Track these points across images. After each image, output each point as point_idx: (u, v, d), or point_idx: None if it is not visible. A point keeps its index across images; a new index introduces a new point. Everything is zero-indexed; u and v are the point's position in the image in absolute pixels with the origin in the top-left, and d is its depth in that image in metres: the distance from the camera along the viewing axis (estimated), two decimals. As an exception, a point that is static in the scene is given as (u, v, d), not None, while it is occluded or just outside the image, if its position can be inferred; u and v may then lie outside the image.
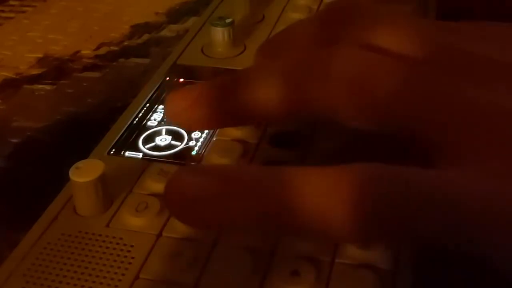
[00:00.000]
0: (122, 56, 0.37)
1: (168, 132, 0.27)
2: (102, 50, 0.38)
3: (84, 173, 0.23)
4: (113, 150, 0.27)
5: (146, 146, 0.27)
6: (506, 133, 0.18)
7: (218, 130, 0.27)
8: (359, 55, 0.20)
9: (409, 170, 0.17)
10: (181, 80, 0.31)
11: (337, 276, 0.20)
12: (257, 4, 0.37)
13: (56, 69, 0.36)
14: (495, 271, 0.17)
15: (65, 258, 0.21)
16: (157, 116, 0.28)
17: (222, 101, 0.21)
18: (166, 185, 0.18)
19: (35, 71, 0.36)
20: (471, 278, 0.22)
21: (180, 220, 0.19)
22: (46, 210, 0.24)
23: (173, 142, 0.27)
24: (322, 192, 0.17)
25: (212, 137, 0.27)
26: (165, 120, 0.28)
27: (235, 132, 0.26)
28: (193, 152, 0.26)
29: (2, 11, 0.43)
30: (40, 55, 0.38)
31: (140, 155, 0.26)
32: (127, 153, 0.26)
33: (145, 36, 0.39)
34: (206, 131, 0.27)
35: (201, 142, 0.26)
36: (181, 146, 0.26)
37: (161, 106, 0.29)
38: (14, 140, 0.31)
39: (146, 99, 0.30)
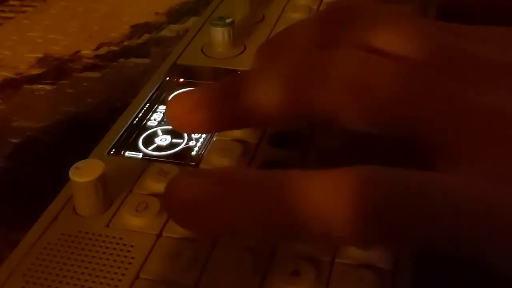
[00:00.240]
0: (122, 56, 0.37)
1: (168, 132, 0.27)
2: (102, 50, 0.38)
3: (84, 173, 0.23)
4: (113, 150, 0.27)
5: (146, 146, 0.27)
6: (505, 134, 0.18)
7: (218, 130, 0.27)
8: (358, 56, 0.20)
9: (409, 172, 0.17)
10: (181, 80, 0.31)
11: (337, 276, 0.20)
12: (257, 4, 0.37)
13: (56, 69, 0.36)
14: (495, 272, 0.17)
15: (65, 258, 0.21)
16: (157, 116, 0.28)
17: (223, 105, 0.21)
18: (165, 189, 0.18)
19: (35, 71, 0.36)
20: (471, 278, 0.22)
21: (179, 224, 0.19)
22: (46, 210, 0.24)
23: (173, 142, 0.27)
24: (323, 194, 0.17)
25: (212, 137, 0.27)
26: (165, 120, 0.28)
27: (235, 132, 0.26)
28: (193, 153, 0.26)
29: (2, 11, 0.43)
30: (40, 55, 0.38)
31: (140, 155, 0.26)
32: (127, 153, 0.26)
33: (145, 36, 0.39)
34: (206, 131, 0.27)
35: (201, 142, 0.26)
36: (181, 146, 0.26)
37: (161, 106, 0.29)
38: (14, 140, 0.31)
39: (146, 99, 0.30)
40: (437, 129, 0.19)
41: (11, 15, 0.42)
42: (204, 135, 0.27)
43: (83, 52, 0.38)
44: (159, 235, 0.22)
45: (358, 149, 0.23)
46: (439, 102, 0.19)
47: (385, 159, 0.20)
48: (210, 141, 0.26)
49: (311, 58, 0.21)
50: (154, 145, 0.27)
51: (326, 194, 0.17)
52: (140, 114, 0.29)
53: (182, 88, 0.30)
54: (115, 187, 0.24)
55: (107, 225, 0.23)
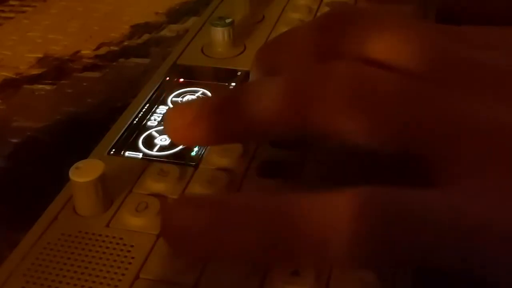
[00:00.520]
0: (122, 56, 0.37)
1: (168, 132, 0.27)
2: (102, 50, 0.38)
3: (84, 173, 0.23)
4: (113, 150, 0.27)
5: (146, 146, 0.27)
6: (505, 149, 0.18)
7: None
8: (358, 70, 0.19)
9: (409, 192, 0.17)
10: (181, 80, 0.31)
11: (337, 276, 0.20)
12: (257, 4, 0.37)
13: (56, 69, 0.36)
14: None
15: (65, 258, 0.21)
16: (157, 116, 0.28)
17: (222, 119, 0.21)
18: (161, 217, 0.19)
19: (35, 71, 0.36)
20: (471, 278, 0.22)
21: (175, 251, 0.19)
22: (46, 210, 0.24)
23: (173, 142, 0.27)
24: (320, 218, 0.17)
25: (212, 137, 0.27)
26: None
27: (235, 132, 0.26)
28: (193, 153, 0.26)
29: (2, 11, 0.43)
30: (40, 55, 0.38)
31: (140, 155, 0.26)
32: (127, 153, 0.26)
33: (145, 36, 0.39)
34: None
35: (201, 142, 0.26)
36: (181, 146, 0.26)
37: (161, 106, 0.29)
38: (14, 140, 0.31)
39: (146, 99, 0.30)
40: (437, 145, 0.18)
41: (11, 15, 0.42)
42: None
43: (83, 52, 0.38)
44: (159, 235, 0.22)
45: (356, 164, 0.23)
46: (440, 118, 0.18)
47: (383, 175, 0.20)
48: (210, 141, 0.26)
49: (311, 72, 0.20)
50: (154, 145, 0.27)
51: (323, 218, 0.17)
52: (140, 114, 0.29)
53: (182, 88, 0.30)
54: (115, 187, 0.24)
55: (107, 225, 0.23)
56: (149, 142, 0.27)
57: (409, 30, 0.21)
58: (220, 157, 0.25)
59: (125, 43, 0.39)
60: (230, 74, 0.31)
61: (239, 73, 0.31)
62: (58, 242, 0.22)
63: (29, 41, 0.39)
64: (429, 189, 0.18)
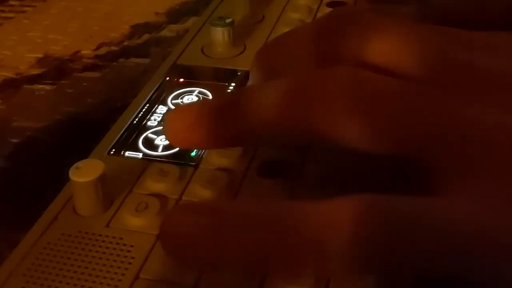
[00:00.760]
0: (122, 56, 0.37)
1: (168, 132, 0.27)
2: (102, 50, 0.38)
3: (84, 173, 0.23)
4: (113, 150, 0.27)
5: (146, 146, 0.27)
6: (506, 154, 0.18)
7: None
8: (359, 76, 0.19)
9: (408, 200, 0.17)
10: (181, 80, 0.31)
11: (337, 276, 0.20)
12: (257, 4, 0.37)
13: (56, 69, 0.36)
14: None
15: (65, 258, 0.21)
16: (157, 116, 0.28)
17: (222, 122, 0.21)
18: (161, 227, 0.18)
19: (35, 71, 0.36)
20: (472, 283, 0.22)
21: (174, 260, 0.19)
22: (46, 210, 0.24)
23: (173, 142, 0.27)
24: (320, 228, 0.17)
25: (212, 137, 0.27)
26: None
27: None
28: (193, 153, 0.26)
29: (2, 11, 0.43)
30: (40, 55, 0.38)
31: (140, 155, 0.26)
32: (127, 153, 0.26)
33: (145, 36, 0.39)
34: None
35: (201, 142, 0.26)
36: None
37: (161, 106, 0.29)
38: (14, 140, 0.31)
39: (146, 99, 0.30)
40: (437, 148, 0.18)
41: (11, 15, 0.42)
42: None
43: (83, 52, 0.38)
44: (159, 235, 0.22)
45: (356, 165, 0.23)
46: (440, 122, 0.18)
47: (383, 176, 0.20)
48: (210, 141, 0.26)
49: (311, 75, 0.20)
50: (154, 145, 0.27)
51: (324, 225, 0.17)
52: (140, 114, 0.29)
53: (182, 88, 0.30)
54: (115, 187, 0.24)
55: (107, 225, 0.23)
56: (149, 142, 0.27)
57: (409, 32, 0.21)
58: (220, 157, 0.25)
59: (125, 43, 0.39)
60: (230, 74, 0.31)
61: (239, 73, 0.31)
62: (58, 242, 0.22)
63: (29, 41, 0.39)
64: (430, 196, 0.18)
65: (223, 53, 0.33)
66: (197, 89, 0.30)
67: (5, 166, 0.29)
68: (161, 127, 0.28)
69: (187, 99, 0.30)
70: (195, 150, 0.26)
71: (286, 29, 0.33)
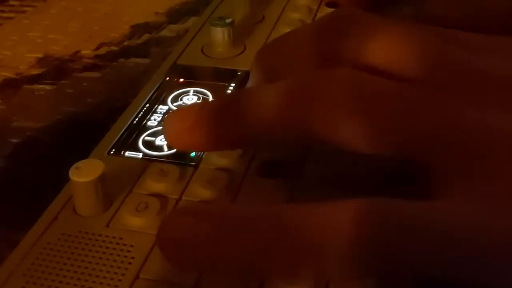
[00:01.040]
0: (122, 56, 0.37)
1: (168, 132, 0.27)
2: (102, 50, 0.38)
3: (84, 173, 0.23)
4: (113, 150, 0.27)
5: (146, 146, 0.27)
6: (506, 156, 0.18)
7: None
8: (357, 77, 0.19)
9: (407, 203, 0.17)
10: (181, 80, 0.31)
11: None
12: (257, 4, 0.37)
13: (56, 69, 0.36)
14: None
15: (65, 258, 0.21)
16: (157, 116, 0.28)
17: (221, 124, 0.21)
18: (158, 230, 0.18)
19: (35, 71, 0.36)
20: (472, 284, 0.22)
21: (170, 262, 0.19)
22: (46, 210, 0.24)
23: (173, 142, 0.27)
24: (320, 231, 0.17)
25: (212, 137, 0.26)
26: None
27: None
28: (193, 153, 0.26)
29: (2, 11, 0.43)
30: (40, 55, 0.38)
31: (140, 155, 0.26)
32: (127, 153, 0.26)
33: (145, 36, 0.39)
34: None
35: (201, 142, 0.26)
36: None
37: (161, 106, 0.29)
38: (14, 140, 0.31)
39: (146, 99, 0.30)
40: (437, 151, 0.18)
41: (11, 15, 0.42)
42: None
43: (83, 52, 0.38)
44: (159, 235, 0.22)
45: (355, 166, 0.23)
46: (439, 123, 0.18)
47: (383, 177, 0.20)
48: (210, 141, 0.26)
49: (311, 76, 0.20)
50: (154, 145, 0.27)
51: (324, 229, 0.17)
52: (140, 114, 0.29)
53: (182, 88, 0.30)
54: (115, 187, 0.24)
55: (107, 225, 0.23)
56: (149, 142, 0.27)
57: (409, 33, 0.21)
58: (220, 157, 0.25)
59: (125, 43, 0.39)
60: (230, 74, 0.31)
61: (239, 73, 0.31)
62: (58, 242, 0.22)
63: (29, 41, 0.39)
64: (430, 197, 0.18)
65: (223, 53, 0.33)
66: (197, 89, 0.30)
67: (5, 166, 0.29)
68: (161, 128, 0.28)
69: (187, 99, 0.30)
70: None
71: (286, 29, 0.33)
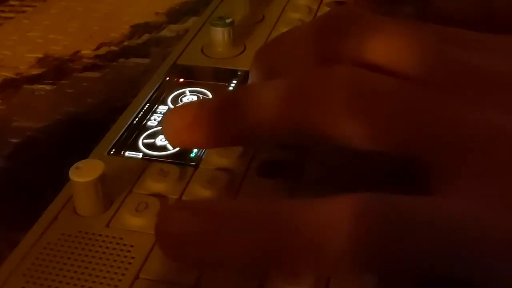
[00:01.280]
0: (122, 56, 0.37)
1: (168, 132, 0.27)
2: (102, 50, 0.38)
3: (84, 173, 0.23)
4: (113, 150, 0.27)
5: (146, 146, 0.27)
6: (505, 155, 0.18)
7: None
8: (357, 75, 0.19)
9: (407, 199, 0.17)
10: (181, 80, 0.31)
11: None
12: (257, 4, 0.37)
13: (56, 69, 0.36)
14: None
15: (65, 258, 0.21)
16: (157, 116, 0.28)
17: (221, 121, 0.21)
18: (156, 225, 0.18)
19: (35, 71, 0.36)
20: (472, 285, 0.22)
21: (168, 257, 0.19)
22: (46, 210, 0.24)
23: (173, 142, 0.27)
24: (319, 227, 0.17)
25: (212, 137, 0.26)
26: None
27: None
28: (193, 153, 0.26)
29: (2, 11, 0.43)
30: (40, 55, 0.38)
31: (140, 155, 0.26)
32: (127, 153, 0.26)
33: (145, 36, 0.39)
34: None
35: (201, 142, 0.26)
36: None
37: (161, 106, 0.29)
38: (14, 140, 0.31)
39: (146, 99, 0.30)
40: (437, 150, 0.18)
41: (11, 15, 0.42)
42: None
43: (83, 52, 0.38)
44: (159, 235, 0.22)
45: (356, 165, 0.23)
46: (440, 122, 0.18)
47: (383, 176, 0.20)
48: (210, 141, 0.26)
49: (311, 75, 0.20)
50: (154, 145, 0.27)
51: (322, 224, 0.17)
52: (140, 114, 0.29)
53: (182, 88, 0.30)
54: (115, 187, 0.24)
55: (107, 225, 0.23)
56: (149, 142, 0.27)
57: (409, 32, 0.21)
58: (220, 157, 0.25)
59: (125, 43, 0.39)
60: (230, 74, 0.31)
61: (239, 73, 0.31)
62: (58, 242, 0.22)
63: (29, 41, 0.39)
64: (429, 196, 0.18)
65: (223, 53, 0.33)
66: (197, 89, 0.30)
67: (5, 166, 0.29)
68: (161, 127, 0.27)
69: (187, 99, 0.30)
70: (195, 150, 0.26)
71: (286, 29, 0.33)
